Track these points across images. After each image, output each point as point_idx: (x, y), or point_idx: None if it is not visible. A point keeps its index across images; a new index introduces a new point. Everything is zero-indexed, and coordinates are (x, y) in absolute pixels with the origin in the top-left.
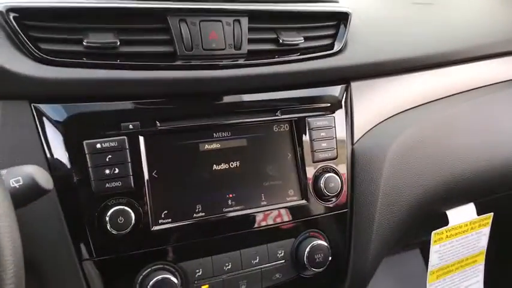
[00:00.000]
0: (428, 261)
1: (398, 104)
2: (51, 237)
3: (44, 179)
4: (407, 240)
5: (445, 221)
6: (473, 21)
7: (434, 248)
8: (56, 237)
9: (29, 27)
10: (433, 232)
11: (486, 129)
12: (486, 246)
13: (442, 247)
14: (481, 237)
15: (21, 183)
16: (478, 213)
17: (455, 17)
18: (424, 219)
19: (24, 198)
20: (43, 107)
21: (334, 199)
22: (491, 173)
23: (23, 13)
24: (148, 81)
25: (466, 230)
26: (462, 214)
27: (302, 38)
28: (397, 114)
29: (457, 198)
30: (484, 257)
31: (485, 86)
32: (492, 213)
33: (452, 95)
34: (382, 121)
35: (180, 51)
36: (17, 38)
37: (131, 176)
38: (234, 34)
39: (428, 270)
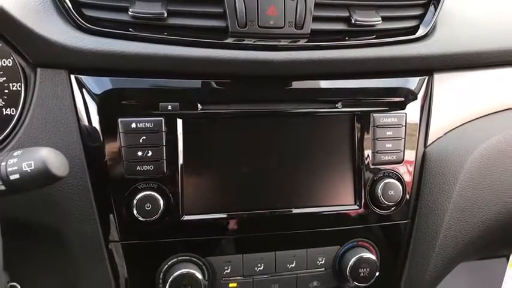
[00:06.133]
0: None
1: (486, 105)
2: (79, 214)
3: (57, 165)
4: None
5: None
6: None
7: (509, 272)
8: (84, 214)
9: None
10: None
11: None
12: None
13: None
14: None
15: (32, 168)
16: None
17: None
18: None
19: (34, 183)
20: (82, 78)
21: (392, 208)
22: None
23: None
24: (195, 59)
25: None
26: None
27: (380, 18)
28: (482, 116)
29: None
30: None
31: None
32: None
33: None
34: (464, 123)
35: (232, 27)
36: (60, 2)
37: (164, 161)
38: (297, 10)
39: None
